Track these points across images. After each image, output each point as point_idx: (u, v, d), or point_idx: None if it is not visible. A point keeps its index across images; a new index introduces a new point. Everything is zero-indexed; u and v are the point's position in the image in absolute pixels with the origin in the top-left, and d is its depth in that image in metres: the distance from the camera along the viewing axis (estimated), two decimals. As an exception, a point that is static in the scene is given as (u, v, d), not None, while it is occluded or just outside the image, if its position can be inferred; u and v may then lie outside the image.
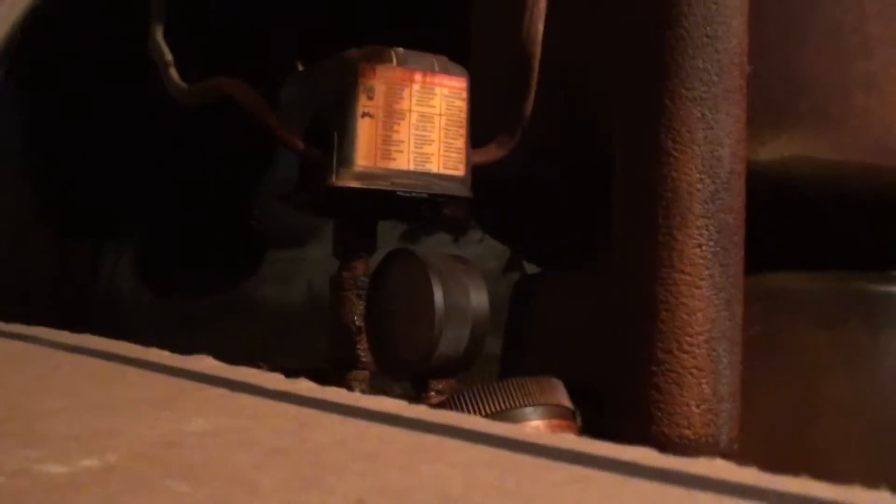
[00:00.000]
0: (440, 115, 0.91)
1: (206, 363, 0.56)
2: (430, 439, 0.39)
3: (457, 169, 0.92)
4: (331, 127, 0.89)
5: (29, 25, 1.39)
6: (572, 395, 0.78)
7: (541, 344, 1.01)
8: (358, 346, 0.93)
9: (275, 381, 0.51)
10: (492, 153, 0.96)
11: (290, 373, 0.54)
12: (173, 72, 1.04)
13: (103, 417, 0.45)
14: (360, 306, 0.93)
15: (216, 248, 2.05)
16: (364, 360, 0.93)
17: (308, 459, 0.37)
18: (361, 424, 0.42)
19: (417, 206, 0.93)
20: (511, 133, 0.96)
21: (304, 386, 0.49)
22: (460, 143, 0.93)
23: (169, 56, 1.05)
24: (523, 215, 1.06)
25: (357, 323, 0.93)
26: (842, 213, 0.89)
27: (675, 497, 0.33)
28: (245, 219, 2.04)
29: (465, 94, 0.93)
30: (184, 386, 0.50)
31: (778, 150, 0.84)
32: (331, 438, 0.40)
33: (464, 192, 0.93)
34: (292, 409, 0.44)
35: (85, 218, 1.83)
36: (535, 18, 0.94)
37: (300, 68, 0.99)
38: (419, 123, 0.90)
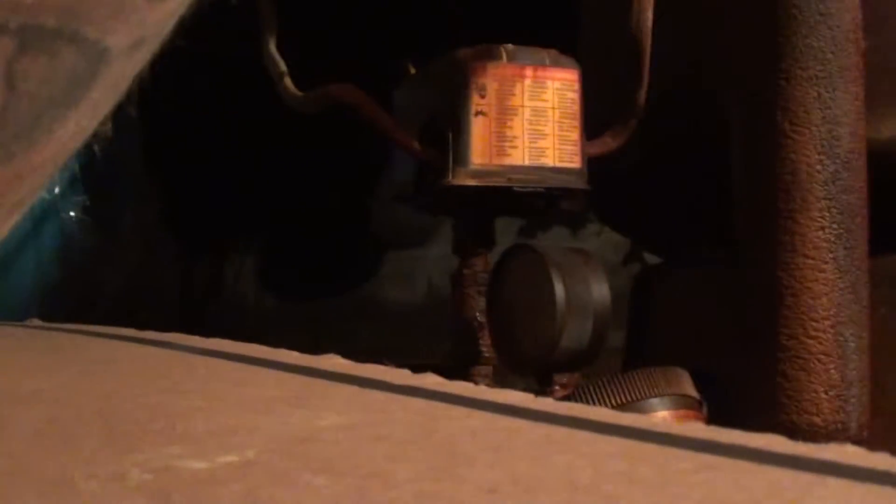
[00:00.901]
0: (553, 108, 0.92)
1: (334, 362, 0.58)
2: (559, 431, 0.39)
3: (572, 161, 0.92)
4: (445, 127, 0.90)
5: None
6: (697, 385, 0.77)
7: (664, 335, 1.00)
8: (480, 342, 0.94)
9: (402, 376, 0.52)
10: (607, 144, 0.96)
11: (416, 369, 0.55)
12: (288, 82, 1.06)
13: (239, 415, 0.46)
14: (481, 302, 0.94)
15: (337, 252, 2.08)
16: (487, 355, 0.94)
17: (439, 451, 0.37)
18: (489, 417, 0.42)
19: (534, 201, 0.94)
20: (625, 123, 0.96)
21: (431, 380, 0.50)
22: (575, 135, 0.93)
23: (283, 66, 1.07)
24: (644, 206, 1.06)
25: (479, 319, 0.94)
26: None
27: (806, 483, 0.33)
28: (364, 221, 2.06)
29: (577, 86, 0.93)
30: (314, 384, 0.52)
31: (900, 126, 0.82)
32: (460, 430, 0.40)
33: (580, 184, 0.93)
34: (421, 403, 0.45)
35: (207, 227, 1.87)
36: (644, 7, 0.94)
37: (412, 71, 1.00)
38: (532, 118, 0.91)
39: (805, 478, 0.33)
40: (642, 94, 0.94)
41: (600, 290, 0.88)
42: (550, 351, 0.86)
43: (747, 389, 0.70)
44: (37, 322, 0.98)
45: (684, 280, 1.00)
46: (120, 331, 0.83)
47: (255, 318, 2.10)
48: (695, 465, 0.35)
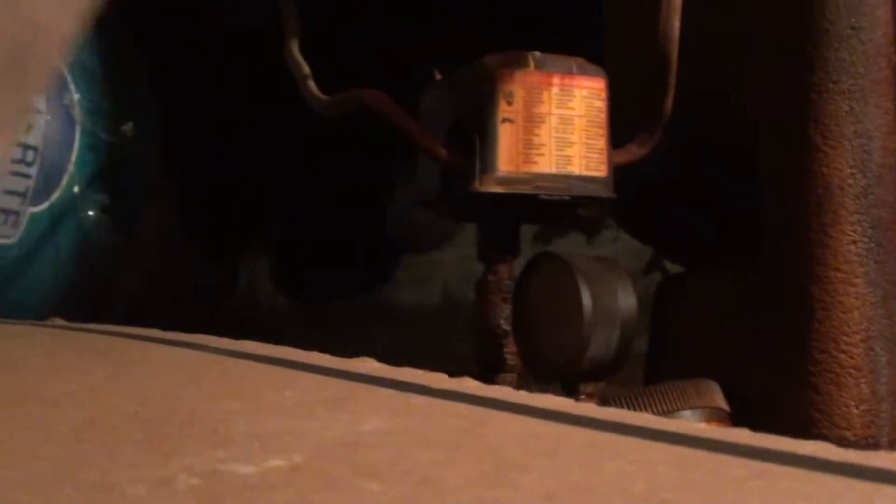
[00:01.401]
0: (580, 116, 0.92)
1: (369, 365, 0.58)
2: (605, 437, 0.39)
3: (599, 170, 0.92)
4: (472, 133, 0.90)
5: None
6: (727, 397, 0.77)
7: (687, 345, 1.00)
8: (505, 350, 0.94)
9: (440, 380, 0.52)
10: (633, 153, 0.96)
11: (452, 373, 0.55)
12: (312, 84, 1.06)
13: (280, 419, 0.46)
14: (506, 309, 0.94)
15: (353, 254, 2.08)
16: (511, 362, 0.94)
17: (488, 456, 0.38)
18: (533, 422, 0.42)
19: (560, 209, 0.94)
20: (651, 132, 0.96)
21: (470, 384, 0.50)
22: (601, 143, 0.93)
23: (306, 69, 1.07)
24: (666, 214, 1.06)
25: (503, 326, 0.94)
26: None
27: (862, 491, 0.33)
28: (381, 224, 2.06)
29: (604, 95, 0.93)
30: (352, 387, 0.52)
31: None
32: (507, 435, 0.40)
33: (606, 192, 0.93)
34: (462, 408, 0.45)
35: (224, 227, 1.88)
36: (671, 16, 0.94)
37: (437, 77, 1.00)
38: (559, 126, 0.91)
39: (860, 486, 0.33)
40: (669, 103, 0.94)
41: (626, 299, 0.88)
42: (576, 360, 0.86)
43: (776, 403, 0.70)
44: (60, 322, 0.99)
45: (707, 289, 1.00)
46: (146, 331, 0.84)
47: (268, 318, 2.11)
48: (747, 472, 0.35)
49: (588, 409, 0.45)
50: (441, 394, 0.48)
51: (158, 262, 1.42)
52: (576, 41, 1.00)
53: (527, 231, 2.06)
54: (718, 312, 0.99)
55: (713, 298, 1.00)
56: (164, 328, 0.86)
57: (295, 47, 1.11)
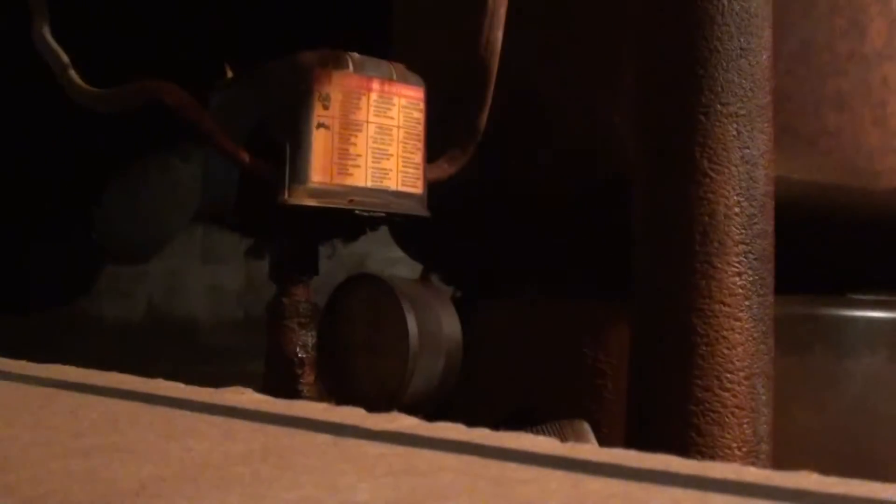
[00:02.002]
0: (398, 127, 0.84)
1: (251, 398, 0.48)
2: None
3: (415, 186, 0.85)
4: (281, 138, 0.80)
5: None
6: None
7: (489, 375, 0.95)
8: (301, 380, 0.85)
9: (375, 420, 0.43)
10: (443, 170, 0.89)
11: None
12: (73, 74, 0.92)
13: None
14: (302, 336, 0.85)
15: (51, 261, 1.90)
16: (307, 394, 0.85)
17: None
18: (550, 472, 0.35)
19: (369, 225, 0.86)
20: (464, 148, 0.89)
21: (408, 423, 0.42)
22: (418, 157, 0.85)
23: (65, 58, 0.94)
24: (464, 237, 1.00)
25: (299, 354, 0.84)
26: (812, 235, 0.86)
27: None
28: (83, 232, 1.90)
29: (422, 106, 0.86)
30: (282, 435, 0.41)
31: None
32: (539, 494, 0.32)
33: (422, 211, 0.86)
34: (453, 459, 0.37)
35: None
36: (494, 26, 0.88)
37: (229, 73, 0.90)
38: (377, 136, 0.83)
39: None
40: (484, 119, 0.89)
41: (451, 326, 0.81)
42: (398, 392, 0.78)
43: (654, 443, 0.65)
44: None
45: (514, 315, 0.95)
46: None
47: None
48: None
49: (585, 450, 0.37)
50: (385, 437, 0.39)
51: None
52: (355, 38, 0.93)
53: (240, 245, 1.95)
54: (524, 338, 0.94)
55: (519, 324, 0.96)
56: None
57: (46, 32, 0.97)
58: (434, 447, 0.39)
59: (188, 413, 0.47)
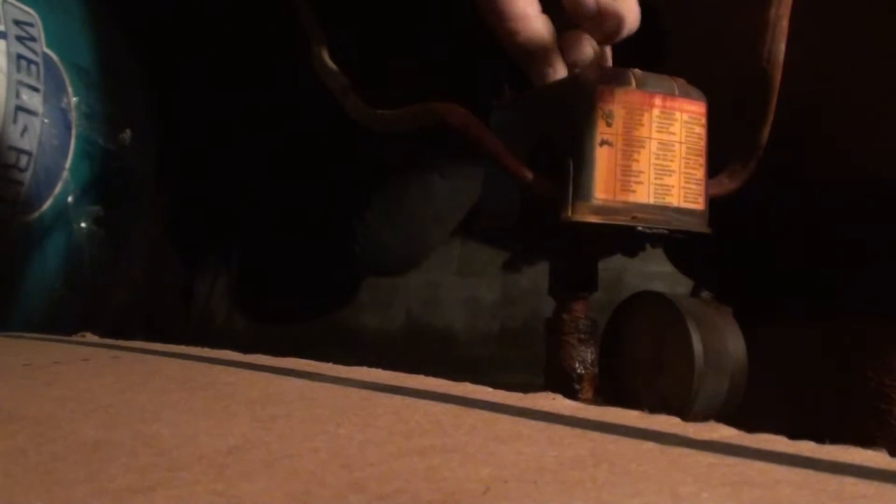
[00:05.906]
0: (680, 143, 0.84)
1: (559, 403, 0.49)
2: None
3: (697, 202, 0.85)
4: (564, 156, 0.82)
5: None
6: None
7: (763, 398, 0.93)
8: (580, 396, 0.86)
9: (694, 429, 0.44)
10: (724, 185, 0.89)
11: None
12: (355, 96, 0.97)
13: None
14: (581, 351, 0.85)
15: (313, 275, 1.98)
16: (585, 409, 0.86)
17: None
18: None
19: (652, 243, 0.86)
20: (745, 162, 0.89)
21: (727, 433, 0.43)
22: (700, 173, 0.85)
23: (345, 80, 0.98)
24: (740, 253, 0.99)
25: (578, 370, 0.85)
26: None
27: None
28: (344, 245, 1.97)
29: (704, 121, 0.85)
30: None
31: None
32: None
33: (703, 227, 0.85)
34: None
35: (179, 244, 1.77)
36: (776, 38, 0.87)
37: (507, 92, 0.92)
38: (659, 152, 0.83)
39: None
40: (766, 132, 0.87)
41: (736, 345, 0.80)
42: (682, 413, 0.78)
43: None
44: (92, 337, 0.88)
45: (792, 337, 0.93)
46: (217, 353, 0.74)
47: (222, 338, 1.99)
48: None
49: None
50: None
51: (145, 277, 1.31)
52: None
53: (497, 257, 1.98)
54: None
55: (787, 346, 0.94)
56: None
57: (325, 55, 1.02)
58: (762, 458, 0.40)
59: (506, 417, 0.49)
